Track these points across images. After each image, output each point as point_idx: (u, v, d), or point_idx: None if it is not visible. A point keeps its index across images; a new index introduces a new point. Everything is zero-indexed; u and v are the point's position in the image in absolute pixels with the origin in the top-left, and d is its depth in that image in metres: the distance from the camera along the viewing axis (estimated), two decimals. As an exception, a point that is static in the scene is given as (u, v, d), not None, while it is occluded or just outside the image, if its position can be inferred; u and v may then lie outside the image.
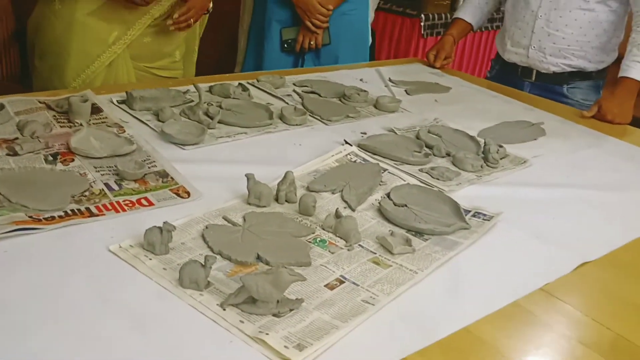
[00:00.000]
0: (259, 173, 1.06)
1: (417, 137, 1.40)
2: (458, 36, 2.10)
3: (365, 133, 1.41)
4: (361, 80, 1.81)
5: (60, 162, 1.10)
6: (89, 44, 1.63)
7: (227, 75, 1.75)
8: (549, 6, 1.86)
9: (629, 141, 1.57)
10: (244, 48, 2.32)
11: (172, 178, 1.10)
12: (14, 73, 2.46)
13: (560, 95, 1.92)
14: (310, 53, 2.17)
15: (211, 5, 1.80)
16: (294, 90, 1.64)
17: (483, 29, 3.53)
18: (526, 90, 1.94)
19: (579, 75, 1.91)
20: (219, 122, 1.34)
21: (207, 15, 1.89)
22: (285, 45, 2.15)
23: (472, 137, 1.43)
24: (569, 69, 1.90)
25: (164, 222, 0.88)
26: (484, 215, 1.08)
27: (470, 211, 1.10)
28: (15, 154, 1.10)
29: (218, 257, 0.88)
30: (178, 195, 1.05)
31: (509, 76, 1.99)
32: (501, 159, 1.33)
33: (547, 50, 1.88)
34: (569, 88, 1.93)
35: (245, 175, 1.04)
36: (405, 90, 1.77)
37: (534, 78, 1.95)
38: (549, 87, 1.93)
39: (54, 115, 1.28)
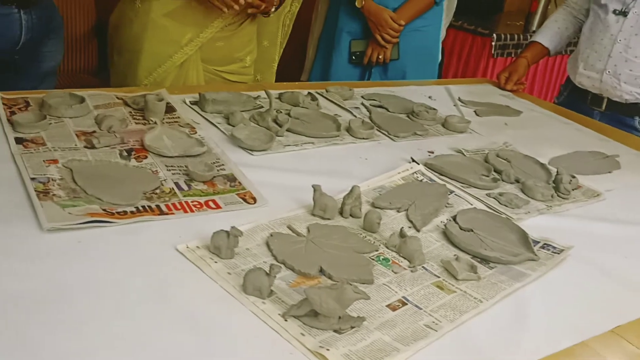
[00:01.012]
0: (323, 184, 1.06)
1: (486, 161, 1.37)
2: (532, 60, 2.04)
3: (432, 152, 1.39)
4: (430, 97, 1.79)
5: (134, 158, 1.13)
6: (162, 44, 1.68)
7: (297, 83, 1.77)
8: (630, 31, 1.79)
9: None
10: (313, 57, 2.34)
11: (239, 183, 1.11)
12: (91, 66, 2.56)
13: (631, 128, 1.84)
14: (378, 67, 2.17)
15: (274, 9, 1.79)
16: (362, 104, 1.64)
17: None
18: (594, 118, 1.87)
19: None
20: (287, 130, 1.35)
21: (291, 24, 1.92)
22: (354, 57, 2.15)
23: (542, 165, 1.39)
24: None
25: (232, 227, 0.89)
26: (554, 247, 1.05)
27: (539, 242, 1.06)
28: (93, 146, 1.14)
29: (281, 266, 0.88)
30: (245, 200, 1.06)
31: (578, 103, 1.92)
32: (573, 190, 1.28)
33: (622, 77, 1.81)
34: None
35: (312, 186, 1.04)
36: (475, 111, 1.74)
37: (604, 107, 1.87)
38: (619, 118, 1.85)
39: (130, 112, 1.32)
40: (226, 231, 0.89)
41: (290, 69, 2.72)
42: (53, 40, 1.69)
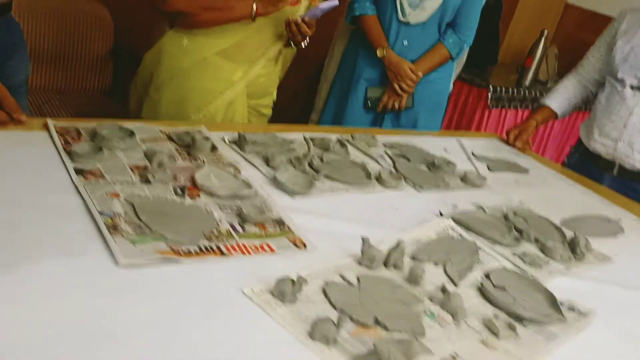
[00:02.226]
0: (362, 233, 1.13)
1: (505, 218, 1.46)
2: (541, 122, 2.16)
3: (456, 205, 1.48)
4: (445, 150, 1.89)
5: (188, 196, 1.18)
6: (213, 81, 1.74)
7: (324, 127, 1.86)
8: None
9: None
10: (325, 97, 2.43)
11: (288, 227, 1.17)
12: (105, 87, 2.60)
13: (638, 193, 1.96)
14: (391, 114, 2.26)
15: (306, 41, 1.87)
16: (385, 152, 1.72)
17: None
18: (605, 184, 1.98)
19: None
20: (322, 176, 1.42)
21: (291, 60, 2.00)
22: (369, 103, 2.25)
23: (556, 227, 1.48)
24: None
25: (298, 276, 0.95)
26: (578, 310, 1.13)
27: (563, 303, 1.14)
28: (148, 181, 1.18)
29: (344, 316, 0.94)
30: (295, 245, 1.12)
31: (589, 166, 2.04)
32: (588, 252, 1.37)
33: (636, 147, 1.92)
34: None
35: (362, 238, 1.11)
36: (487, 166, 1.84)
37: (615, 172, 1.99)
38: (629, 184, 1.96)
39: (176, 148, 1.37)
40: (291, 278, 0.94)
41: (296, 106, 2.81)
42: (17, 55, 1.63)
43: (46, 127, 1.30)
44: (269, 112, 1.93)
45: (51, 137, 1.26)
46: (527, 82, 3.56)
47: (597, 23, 4.25)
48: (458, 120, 3.41)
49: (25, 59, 1.67)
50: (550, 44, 4.09)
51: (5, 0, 1.50)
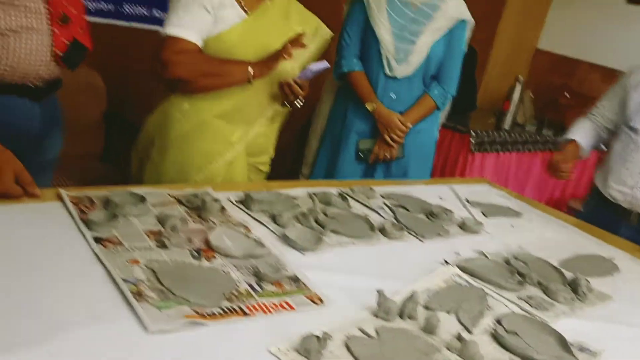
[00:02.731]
0: (371, 284, 1.17)
1: (507, 263, 1.50)
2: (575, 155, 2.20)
3: (458, 253, 1.52)
4: (440, 198, 1.95)
5: (204, 258, 1.21)
6: (213, 143, 1.80)
7: (323, 181, 1.90)
8: None
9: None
10: (315, 150, 2.49)
11: (304, 284, 1.20)
12: (97, 151, 2.63)
13: None
14: (382, 164, 2.33)
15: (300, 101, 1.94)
16: (384, 203, 1.77)
17: (526, 150, 3.72)
18: (622, 232, 2.02)
19: None
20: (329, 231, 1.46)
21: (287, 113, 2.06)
22: (361, 155, 2.31)
23: (556, 268, 1.54)
24: None
25: (323, 333, 0.97)
26: (589, 350, 1.17)
27: (573, 344, 1.18)
28: (164, 246, 1.21)
29: (370, 369, 0.97)
30: (312, 301, 1.15)
31: (606, 213, 2.10)
32: (589, 292, 1.42)
33: None
34: None
35: (377, 291, 1.15)
36: (482, 212, 1.89)
37: (635, 220, 2.05)
38: None
39: (186, 211, 1.40)
40: (316, 335, 0.97)
41: (285, 158, 2.87)
42: (56, 133, 1.71)
43: (59, 197, 1.33)
44: (266, 169, 1.99)
45: (66, 206, 1.29)
46: (507, 125, 3.68)
47: (567, 66, 4.46)
48: (442, 165, 3.50)
49: (61, 135, 1.71)
50: (525, 88, 4.26)
51: (56, 76, 1.55)
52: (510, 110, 3.69)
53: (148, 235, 1.25)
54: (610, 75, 4.16)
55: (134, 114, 2.54)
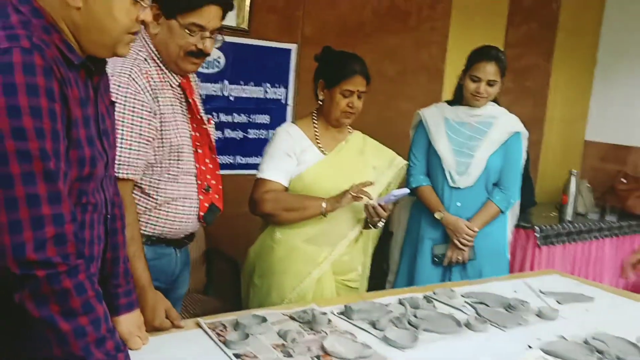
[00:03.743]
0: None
1: (586, 343, 1.67)
2: None
3: (539, 339, 1.71)
4: (515, 292, 2.14)
5: (324, 362, 1.46)
6: (302, 264, 2.09)
7: (407, 288, 2.14)
8: None
9: None
10: (398, 259, 2.75)
11: (410, 376, 1.42)
12: (201, 286, 2.96)
13: None
14: (458, 266, 2.55)
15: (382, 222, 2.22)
16: (465, 302, 1.99)
17: (592, 239, 3.85)
18: None
19: None
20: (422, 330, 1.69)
21: (378, 234, 2.34)
22: (436, 259, 2.55)
23: (633, 344, 1.69)
24: None
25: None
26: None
27: (656, 407, 1.34)
28: (290, 356, 1.47)
29: None
30: (420, 390, 1.36)
31: None
32: (666, 362, 1.57)
33: None
34: None
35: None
36: (557, 300, 2.07)
37: None
38: None
39: (300, 325, 1.67)
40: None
41: (375, 269, 3.13)
42: (186, 273, 2.01)
43: (198, 325, 1.62)
44: (356, 285, 2.24)
45: (205, 332, 1.58)
46: (569, 216, 3.84)
47: (619, 152, 4.65)
48: (512, 261, 3.65)
49: (189, 274, 2.03)
50: (580, 179, 4.45)
51: (195, 230, 1.89)
52: (570, 203, 3.87)
53: (274, 348, 1.51)
54: (661, 156, 4.34)
55: (231, 250, 2.89)
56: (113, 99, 1.42)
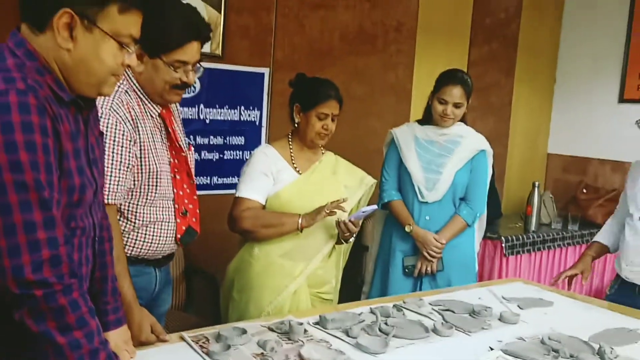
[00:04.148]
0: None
1: (543, 343, 1.82)
2: (596, 256, 2.59)
3: (500, 341, 1.84)
4: (479, 298, 2.28)
5: (303, 369, 1.57)
6: (279, 278, 2.20)
7: (379, 299, 2.26)
8: None
9: None
10: (372, 271, 2.88)
11: (381, 378, 1.54)
12: (180, 303, 3.05)
13: None
14: (427, 277, 2.69)
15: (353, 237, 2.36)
16: (433, 309, 2.12)
17: (556, 247, 4.04)
18: None
19: None
20: (392, 336, 1.81)
21: (349, 248, 2.47)
22: (407, 270, 2.69)
23: (585, 342, 1.84)
24: None
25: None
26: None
27: (603, 398, 1.48)
28: (269, 363, 1.58)
29: None
30: (390, 390, 1.48)
31: (628, 294, 2.41)
32: (615, 358, 1.72)
33: None
34: None
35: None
36: (518, 305, 2.22)
37: None
38: None
39: (277, 335, 1.78)
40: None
41: (351, 281, 3.26)
42: (168, 290, 2.10)
43: (182, 338, 1.72)
44: (330, 297, 2.36)
45: (189, 345, 1.68)
46: (533, 227, 4.03)
47: (580, 164, 4.87)
48: (480, 271, 3.80)
49: (171, 292, 2.13)
50: (544, 190, 4.65)
51: (174, 251, 1.99)
52: (534, 213, 4.05)
53: (255, 357, 1.62)
54: (619, 167, 4.56)
55: (211, 268, 2.99)
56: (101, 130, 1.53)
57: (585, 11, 4.82)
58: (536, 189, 4.07)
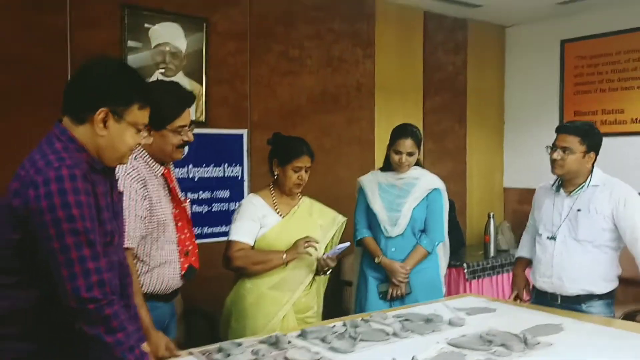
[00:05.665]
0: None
1: (480, 337, 2.26)
2: (523, 271, 3.09)
3: (447, 338, 2.28)
4: (434, 310, 2.73)
5: (288, 369, 1.99)
6: (270, 306, 2.63)
7: (352, 315, 2.70)
8: (560, 248, 2.84)
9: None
10: (354, 296, 3.36)
11: (350, 369, 1.97)
12: (181, 342, 3.43)
13: (581, 312, 2.75)
14: (398, 300, 3.15)
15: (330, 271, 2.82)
16: (395, 320, 2.56)
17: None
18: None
19: (592, 297, 2.79)
20: (360, 340, 2.25)
21: (326, 280, 2.92)
22: (381, 295, 3.16)
23: (515, 335, 2.29)
24: (583, 293, 2.79)
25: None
26: (528, 368, 1.91)
27: (520, 368, 1.92)
28: (262, 366, 2.00)
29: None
30: (356, 375, 1.92)
31: (544, 301, 2.89)
32: (535, 344, 2.17)
33: (565, 279, 2.81)
34: (586, 306, 2.79)
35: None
36: (466, 312, 2.67)
37: (559, 301, 2.84)
38: (572, 307, 2.79)
39: (267, 345, 2.20)
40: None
41: (336, 302, 3.67)
42: (174, 321, 2.52)
43: (190, 353, 2.14)
44: (313, 320, 2.78)
45: (196, 358, 2.10)
46: (492, 253, 4.51)
47: (532, 195, 5.38)
48: (447, 295, 4.25)
49: (176, 323, 2.54)
50: (502, 220, 5.15)
51: (179, 286, 2.41)
52: (491, 241, 4.53)
53: (251, 362, 2.04)
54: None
55: (209, 308, 3.40)
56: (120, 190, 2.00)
57: (523, 61, 5.46)
58: (491, 219, 4.57)
